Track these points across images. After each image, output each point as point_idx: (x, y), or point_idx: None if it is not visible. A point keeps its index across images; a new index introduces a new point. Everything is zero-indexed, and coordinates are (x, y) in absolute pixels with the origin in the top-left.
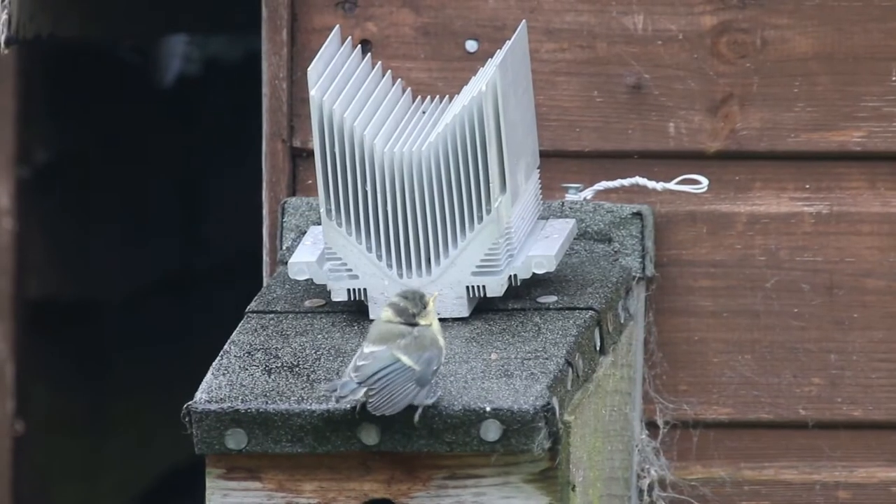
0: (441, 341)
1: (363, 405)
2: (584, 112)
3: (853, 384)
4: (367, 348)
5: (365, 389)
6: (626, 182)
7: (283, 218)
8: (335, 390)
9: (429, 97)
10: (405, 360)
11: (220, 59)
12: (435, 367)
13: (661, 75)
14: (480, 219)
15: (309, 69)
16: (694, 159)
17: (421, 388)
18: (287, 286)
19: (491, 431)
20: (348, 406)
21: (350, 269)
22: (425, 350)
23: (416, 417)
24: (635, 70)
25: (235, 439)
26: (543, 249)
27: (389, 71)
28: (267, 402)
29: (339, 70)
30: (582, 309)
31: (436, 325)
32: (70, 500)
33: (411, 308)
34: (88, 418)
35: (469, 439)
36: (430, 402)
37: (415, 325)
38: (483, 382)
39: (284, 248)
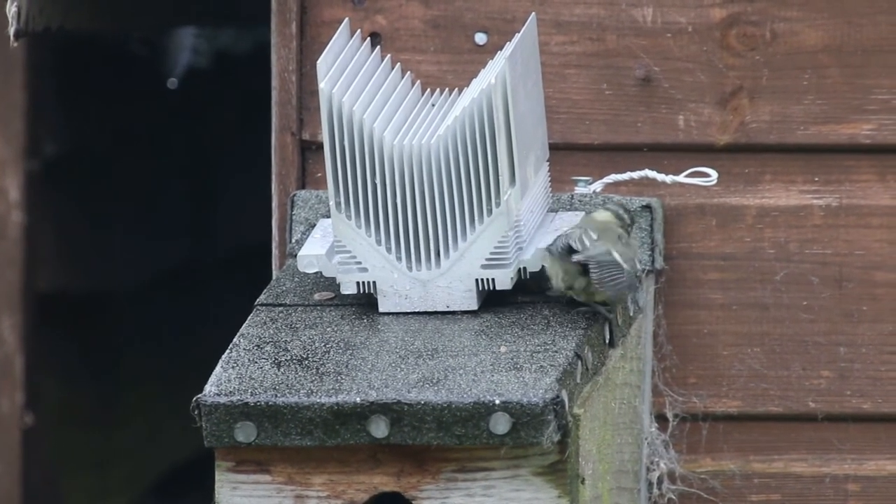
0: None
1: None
2: (593, 105)
3: (862, 377)
4: (592, 234)
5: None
6: (636, 175)
7: (292, 211)
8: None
9: (438, 90)
10: (619, 259)
11: (229, 52)
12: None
13: (670, 68)
14: (490, 212)
15: (318, 62)
16: (703, 152)
17: (631, 291)
18: (296, 279)
19: (500, 424)
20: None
21: (359, 262)
22: (631, 258)
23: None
24: (645, 63)
25: (245, 432)
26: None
27: (399, 64)
28: (276, 395)
29: (348, 63)
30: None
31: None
32: (80, 493)
33: (628, 219)
34: (98, 411)
35: (478, 432)
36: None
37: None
38: (492, 375)
39: (294, 240)
